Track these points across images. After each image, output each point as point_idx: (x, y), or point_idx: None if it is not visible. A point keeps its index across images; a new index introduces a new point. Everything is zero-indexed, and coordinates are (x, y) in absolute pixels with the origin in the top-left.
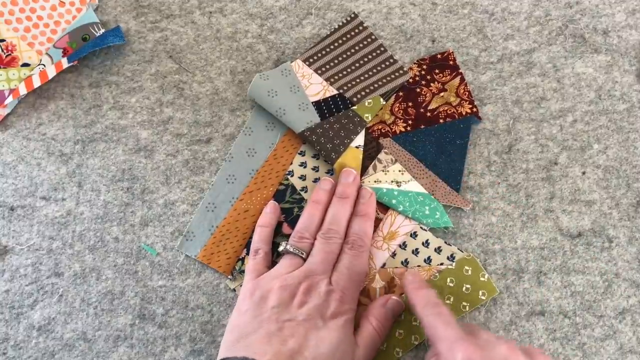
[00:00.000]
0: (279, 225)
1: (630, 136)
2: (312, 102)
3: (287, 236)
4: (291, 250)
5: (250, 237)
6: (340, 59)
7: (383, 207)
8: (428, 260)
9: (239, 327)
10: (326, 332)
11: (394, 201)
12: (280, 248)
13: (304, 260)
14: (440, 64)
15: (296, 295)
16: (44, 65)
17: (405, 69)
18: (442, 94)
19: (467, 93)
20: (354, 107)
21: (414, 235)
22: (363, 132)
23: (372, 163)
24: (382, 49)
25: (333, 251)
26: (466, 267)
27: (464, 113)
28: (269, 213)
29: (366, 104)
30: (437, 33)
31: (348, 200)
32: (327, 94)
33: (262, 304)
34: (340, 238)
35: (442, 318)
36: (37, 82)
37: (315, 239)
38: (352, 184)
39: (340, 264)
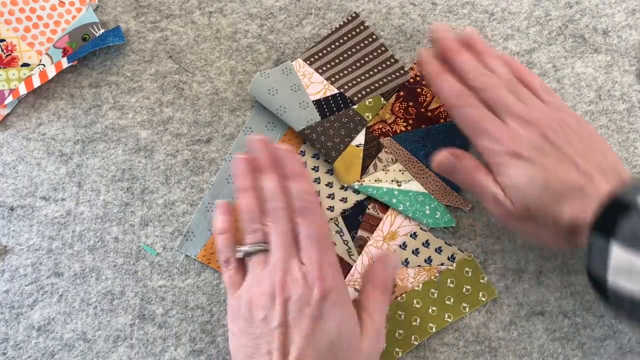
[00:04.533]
0: None
1: (630, 136)
2: (313, 101)
3: None
4: (251, 250)
5: None
6: (341, 58)
7: (383, 207)
8: (428, 260)
9: (241, 352)
10: (323, 320)
11: (394, 200)
12: (240, 254)
13: (267, 252)
14: None
15: (276, 295)
16: (44, 65)
17: (405, 69)
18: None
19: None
20: (355, 107)
21: (414, 235)
22: (364, 131)
23: (373, 162)
24: (382, 48)
25: (287, 229)
26: (466, 268)
27: None
28: (222, 216)
29: (367, 103)
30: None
31: (269, 169)
32: (328, 93)
33: (250, 319)
34: (285, 209)
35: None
36: (37, 82)
37: (264, 224)
38: (264, 149)
39: (301, 237)
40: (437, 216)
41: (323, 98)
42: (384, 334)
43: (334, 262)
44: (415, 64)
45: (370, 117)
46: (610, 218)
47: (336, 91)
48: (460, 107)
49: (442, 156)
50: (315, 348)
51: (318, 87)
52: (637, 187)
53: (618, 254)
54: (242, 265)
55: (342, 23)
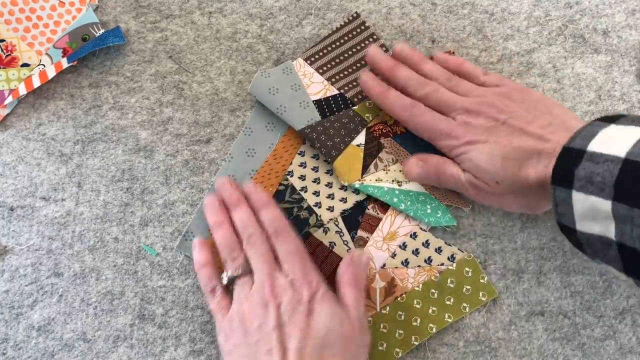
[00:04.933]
0: None
1: None
2: (313, 101)
3: None
4: (236, 274)
5: None
6: (341, 58)
7: (383, 207)
8: (428, 260)
9: None
10: (315, 313)
11: (395, 200)
12: (225, 281)
13: (251, 273)
14: None
15: (268, 303)
16: (44, 66)
17: None
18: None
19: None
20: (355, 107)
21: (413, 235)
22: (364, 131)
23: (373, 162)
24: (383, 49)
25: (265, 250)
26: (466, 268)
27: None
28: (201, 250)
29: (367, 104)
30: (437, 33)
31: (241, 203)
32: (329, 93)
33: (246, 332)
34: (260, 235)
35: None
36: (36, 82)
37: (242, 251)
38: (232, 189)
39: (279, 254)
40: (438, 215)
41: (323, 98)
42: (367, 326)
43: (314, 268)
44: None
45: (371, 118)
46: (567, 169)
47: (336, 92)
48: (411, 117)
49: (410, 164)
50: (313, 337)
51: (318, 87)
52: (586, 134)
53: (580, 201)
54: (226, 292)
55: (343, 23)
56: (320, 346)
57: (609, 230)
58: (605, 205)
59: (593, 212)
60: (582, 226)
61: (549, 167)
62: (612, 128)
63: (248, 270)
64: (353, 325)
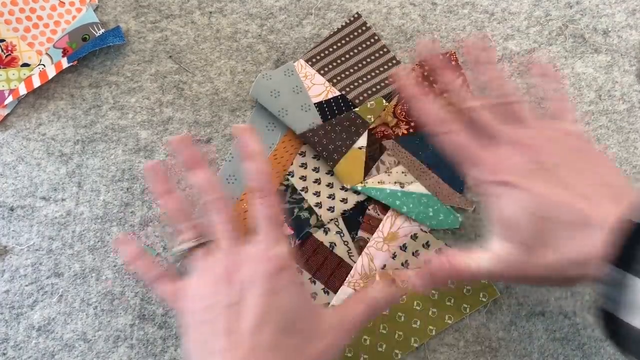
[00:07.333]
0: None
1: (630, 136)
2: (315, 103)
3: (287, 236)
4: (195, 244)
5: None
6: (342, 59)
7: (383, 208)
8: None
9: (197, 344)
10: (279, 293)
11: (397, 202)
12: (177, 255)
13: (206, 244)
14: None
15: (230, 276)
16: (44, 65)
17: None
18: (444, 94)
19: (469, 94)
20: (356, 109)
21: (414, 237)
22: (366, 133)
23: (375, 164)
24: (385, 49)
25: (227, 217)
26: None
27: None
28: (125, 246)
29: (368, 105)
30: (437, 33)
31: (202, 164)
32: (330, 95)
33: (196, 311)
34: (222, 199)
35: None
36: (37, 82)
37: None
38: (187, 150)
39: (258, 217)
40: (440, 218)
41: (325, 100)
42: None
43: (286, 239)
44: (416, 64)
45: (372, 120)
46: (627, 247)
47: (338, 93)
48: (443, 133)
49: (411, 281)
50: (273, 320)
51: (320, 88)
52: None
53: (637, 289)
54: (174, 273)
55: (344, 24)
56: (279, 330)
57: None
58: None
59: None
60: (633, 319)
61: (598, 239)
62: None
63: (205, 241)
64: (318, 311)
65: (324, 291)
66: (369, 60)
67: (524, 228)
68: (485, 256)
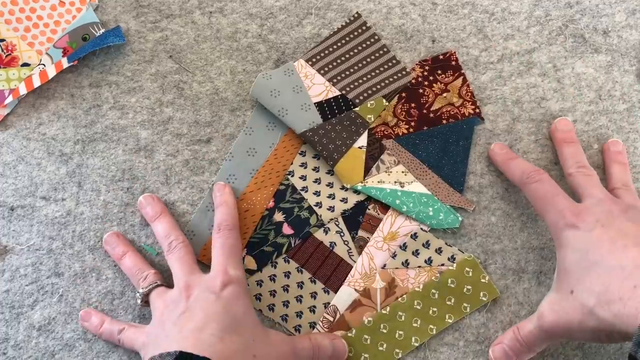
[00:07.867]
0: (279, 226)
1: (630, 136)
2: (315, 103)
3: (287, 236)
4: (152, 286)
5: (251, 237)
6: (343, 58)
7: (383, 207)
8: (429, 261)
9: (149, 347)
10: (226, 302)
11: (397, 202)
12: (139, 299)
13: (164, 285)
14: (443, 65)
15: (181, 293)
16: (44, 65)
17: (407, 69)
18: (444, 94)
19: (469, 94)
20: (357, 109)
21: (414, 236)
22: (365, 133)
23: (375, 164)
24: (385, 49)
25: (183, 253)
26: (467, 269)
27: (466, 114)
28: (88, 321)
29: (368, 105)
30: (437, 33)
31: (162, 214)
32: (330, 95)
33: (158, 326)
34: (182, 241)
35: (552, 187)
36: (37, 82)
37: (152, 271)
38: (153, 204)
39: (214, 248)
40: (440, 217)
41: (325, 100)
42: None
43: (241, 264)
44: (417, 64)
45: (373, 120)
46: None
47: (338, 93)
48: (530, 182)
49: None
50: (216, 320)
51: (320, 88)
52: None
53: None
54: (131, 324)
55: (344, 24)
56: (223, 329)
57: None
58: None
59: None
60: None
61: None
62: None
63: (161, 283)
64: (263, 326)
65: (324, 290)
66: (369, 60)
67: (575, 269)
68: (535, 320)
